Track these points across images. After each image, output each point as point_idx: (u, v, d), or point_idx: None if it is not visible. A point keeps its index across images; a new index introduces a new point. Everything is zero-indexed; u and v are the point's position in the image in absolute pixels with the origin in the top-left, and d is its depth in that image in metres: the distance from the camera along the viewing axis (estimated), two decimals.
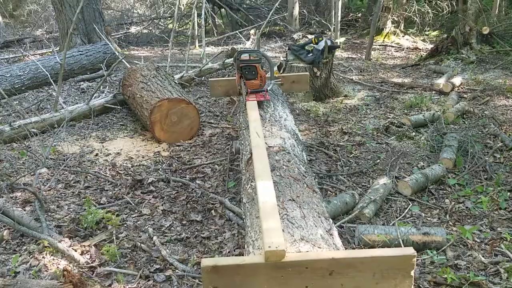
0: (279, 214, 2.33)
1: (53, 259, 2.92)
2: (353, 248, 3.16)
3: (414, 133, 5.07)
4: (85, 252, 3.03)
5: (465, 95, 6.45)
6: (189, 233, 3.34)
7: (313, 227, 2.28)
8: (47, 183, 3.98)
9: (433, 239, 3.16)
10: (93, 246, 3.10)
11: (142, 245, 3.13)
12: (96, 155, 4.61)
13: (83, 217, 3.32)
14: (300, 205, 2.47)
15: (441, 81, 6.71)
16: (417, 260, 3.08)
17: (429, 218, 3.62)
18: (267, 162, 2.78)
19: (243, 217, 2.79)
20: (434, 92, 6.57)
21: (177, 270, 2.85)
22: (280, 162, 2.93)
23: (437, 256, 3.06)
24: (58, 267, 2.83)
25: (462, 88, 6.74)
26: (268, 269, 1.97)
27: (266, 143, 3.17)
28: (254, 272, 1.98)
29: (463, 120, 5.53)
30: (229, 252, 3.04)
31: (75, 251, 2.99)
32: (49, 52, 9.10)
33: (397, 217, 3.59)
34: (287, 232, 2.21)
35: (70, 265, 2.84)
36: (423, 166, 4.42)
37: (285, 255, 1.96)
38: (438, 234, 3.17)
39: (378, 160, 4.51)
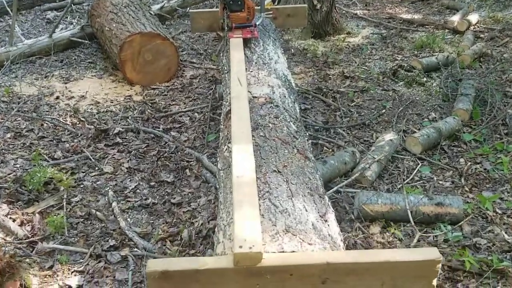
0: (259, 190, 1.77)
1: None
2: (352, 221, 2.64)
3: (425, 79, 4.43)
4: (26, 222, 2.50)
5: (481, 35, 5.73)
6: (157, 197, 2.80)
7: (303, 211, 1.72)
8: None
9: (447, 211, 2.63)
10: (37, 214, 2.56)
11: (97, 213, 2.59)
12: (57, 98, 3.98)
13: (28, 176, 2.76)
14: (288, 178, 1.90)
15: (455, 19, 5.95)
16: (427, 236, 2.58)
17: (441, 182, 3.08)
18: (247, 119, 2.18)
19: (217, 187, 2.23)
20: (447, 30, 5.83)
21: (136, 249, 2.33)
22: (266, 119, 2.33)
23: (451, 233, 2.55)
24: None
25: (478, 27, 6.00)
26: (239, 276, 1.44)
27: (249, 92, 2.55)
28: (219, 279, 1.45)
29: (480, 64, 4.86)
30: (201, 224, 2.51)
31: (13, 220, 2.46)
32: None
33: (404, 180, 3.05)
34: (268, 219, 1.65)
35: (1, 240, 2.31)
36: (435, 118, 3.82)
37: (262, 257, 1.42)
38: (454, 204, 2.64)
39: (384, 110, 3.91)
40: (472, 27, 5.91)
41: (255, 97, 2.55)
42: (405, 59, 4.94)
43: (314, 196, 1.86)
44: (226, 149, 2.27)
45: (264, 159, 2.02)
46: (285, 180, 1.89)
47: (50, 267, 2.21)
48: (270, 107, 2.45)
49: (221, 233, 1.76)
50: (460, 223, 2.60)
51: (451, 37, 5.65)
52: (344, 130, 3.61)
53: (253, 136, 2.11)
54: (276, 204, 1.73)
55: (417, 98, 4.12)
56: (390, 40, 5.50)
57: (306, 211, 1.72)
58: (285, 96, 2.66)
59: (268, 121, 2.31)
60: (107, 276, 2.16)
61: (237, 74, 2.63)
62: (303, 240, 1.55)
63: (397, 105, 4.00)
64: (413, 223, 2.58)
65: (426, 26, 6.02)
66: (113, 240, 2.38)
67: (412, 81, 4.35)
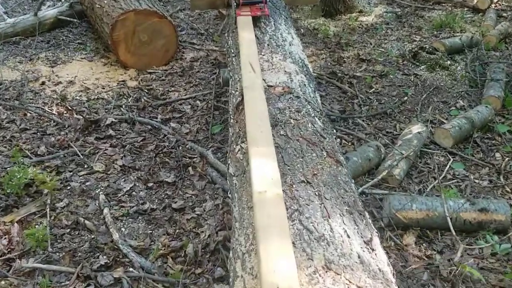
0: (286, 208, 1.39)
1: None
2: (381, 229, 2.28)
3: (449, 62, 4.03)
4: (2, 234, 2.12)
5: (504, 14, 5.31)
6: (155, 201, 2.43)
7: (344, 237, 1.35)
8: None
9: (492, 218, 2.28)
10: (16, 224, 2.18)
11: (86, 222, 2.22)
12: (42, 84, 3.56)
13: (7, 177, 2.37)
14: (320, 191, 1.52)
15: None
16: (472, 249, 2.23)
17: (477, 181, 2.73)
18: (266, 115, 1.79)
19: (230, 197, 1.85)
20: (466, 9, 5.40)
21: (131, 269, 1.96)
22: (286, 113, 1.94)
23: (499, 244, 2.19)
24: None
25: (500, 5, 5.58)
26: None
27: (263, 80, 2.16)
28: None
29: (506, 45, 4.46)
30: (209, 236, 2.14)
31: None
32: None
33: (435, 179, 2.69)
34: (301, 250, 1.28)
35: None
36: (463, 106, 3.44)
37: None
38: (500, 210, 2.29)
39: (406, 98, 3.52)
40: (493, 5, 5.48)
41: (271, 86, 2.16)
42: (425, 40, 4.52)
43: (353, 214, 1.48)
44: (239, 150, 1.89)
45: (288, 165, 1.64)
46: (316, 193, 1.51)
47: None
48: (290, 98, 2.06)
49: (239, 263, 1.40)
50: (509, 234, 2.24)
51: (471, 16, 5.22)
52: (363, 120, 3.23)
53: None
54: (310, 228, 1.35)
55: (442, 84, 3.73)
56: (405, 19, 5.07)
57: (348, 237, 1.35)
58: (305, 85, 2.27)
59: (288, 116, 1.92)
60: None
61: (248, 58, 2.24)
62: (350, 282, 1.18)
63: (420, 92, 3.61)
64: (453, 233, 2.22)
65: (443, 4, 5.58)
66: (104, 257, 2.01)
67: (435, 65, 3.95)
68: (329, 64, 3.96)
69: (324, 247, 1.28)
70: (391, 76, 3.80)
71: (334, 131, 2.14)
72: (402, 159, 2.69)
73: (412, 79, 3.78)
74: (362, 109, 3.36)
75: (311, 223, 1.38)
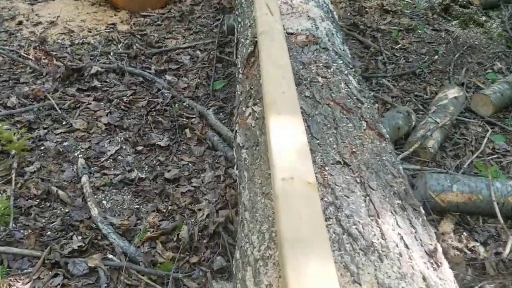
0: (319, 196, 1.00)
1: None
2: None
3: (484, 18, 3.54)
4: None
5: None
6: (145, 169, 2.03)
7: (401, 247, 0.96)
8: None
9: None
10: None
11: (59, 192, 1.83)
12: (20, 23, 3.08)
13: None
14: (361, 176, 1.12)
15: None
16: None
17: None
18: (289, 70, 1.37)
19: (237, 175, 1.45)
20: None
21: (111, 256, 1.58)
22: (311, 69, 1.51)
23: None
24: None
25: None
26: None
27: (283, 26, 1.71)
28: None
29: None
30: (207, 216, 1.76)
31: None
32: None
33: (472, 153, 2.30)
34: (342, 267, 0.90)
35: None
36: (501, 69, 3.01)
37: None
38: None
39: (436, 57, 3.07)
40: None
41: (291, 34, 1.72)
42: None
43: (407, 210, 1.09)
44: (250, 115, 1.47)
45: (318, 138, 1.23)
46: (358, 179, 1.11)
47: None
48: (316, 50, 1.62)
49: (250, 272, 1.02)
50: None
51: None
52: (389, 81, 2.79)
53: None
54: (352, 233, 0.97)
55: (476, 43, 3.27)
56: None
57: (407, 247, 0.96)
58: (332, 34, 1.82)
59: (315, 73, 1.49)
60: None
61: None
62: None
63: (451, 50, 3.16)
64: (501, 221, 1.84)
65: None
66: (79, 238, 1.63)
67: (469, 20, 3.47)
68: (349, 14, 3.48)
69: (376, 264, 0.90)
70: (419, 31, 3.33)
71: (371, 93, 1.71)
72: (437, 128, 2.28)
73: (443, 36, 3.32)
74: (387, 67, 2.93)
75: (354, 224, 0.99)
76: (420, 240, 1.02)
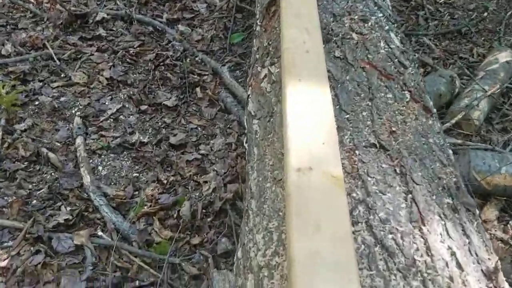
0: (346, 193, 0.75)
1: None
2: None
3: None
4: None
5: None
6: (148, 132, 1.81)
7: (451, 264, 0.72)
8: None
9: None
10: None
11: (50, 154, 1.62)
12: None
13: None
14: (403, 165, 0.87)
15: None
16: None
17: None
18: (316, 22, 1.09)
19: (246, 150, 1.20)
20: None
21: (100, 233, 1.38)
22: (344, 22, 1.22)
23: None
24: None
25: None
26: None
27: None
28: None
29: None
30: (213, 190, 1.53)
31: None
32: None
33: None
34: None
35: None
36: None
37: None
38: None
39: (486, 14, 2.69)
40: None
41: None
42: None
43: (460, 212, 0.84)
44: (265, 76, 1.21)
45: (348, 112, 0.97)
46: (397, 170, 0.86)
47: None
48: None
49: (251, 281, 0.80)
50: None
51: None
52: (430, 40, 2.46)
53: None
54: (388, 245, 0.72)
55: None
56: None
57: (460, 267, 0.72)
58: None
59: (349, 28, 1.20)
60: (45, 283, 1.26)
61: None
62: None
63: (503, 7, 2.77)
64: None
65: None
66: (67, 210, 1.44)
67: None
68: None
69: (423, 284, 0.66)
70: None
71: (416, 55, 1.42)
72: (485, 97, 1.97)
73: None
74: (429, 24, 2.58)
75: (390, 233, 0.74)
76: (476, 255, 0.77)
